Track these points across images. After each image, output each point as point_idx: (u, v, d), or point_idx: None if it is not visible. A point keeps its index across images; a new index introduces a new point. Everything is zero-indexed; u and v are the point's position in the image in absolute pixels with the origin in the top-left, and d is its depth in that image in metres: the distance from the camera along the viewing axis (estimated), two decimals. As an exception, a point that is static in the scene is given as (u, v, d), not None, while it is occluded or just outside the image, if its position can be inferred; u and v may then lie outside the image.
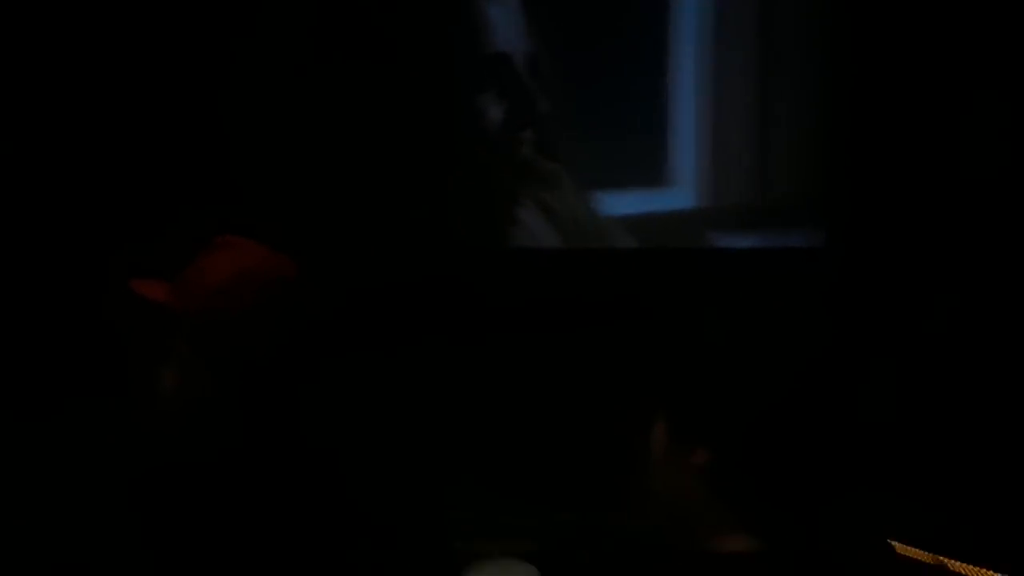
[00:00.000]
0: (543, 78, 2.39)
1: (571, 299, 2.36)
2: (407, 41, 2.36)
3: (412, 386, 2.20)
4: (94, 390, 1.75)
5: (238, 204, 2.06)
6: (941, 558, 1.55)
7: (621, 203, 2.42)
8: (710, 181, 2.37)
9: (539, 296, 2.37)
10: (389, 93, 2.37)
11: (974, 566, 1.56)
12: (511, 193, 2.46)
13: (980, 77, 2.11)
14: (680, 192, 2.39)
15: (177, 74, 2.22)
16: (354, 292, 2.10)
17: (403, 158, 2.41)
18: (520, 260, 2.47)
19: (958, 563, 1.56)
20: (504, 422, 2.27)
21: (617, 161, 2.40)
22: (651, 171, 2.39)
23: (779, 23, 2.29)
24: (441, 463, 1.78)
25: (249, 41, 2.29)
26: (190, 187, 2.19)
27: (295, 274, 1.05)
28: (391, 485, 1.15)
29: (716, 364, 0.88)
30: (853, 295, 2.20)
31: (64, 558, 0.95)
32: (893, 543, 1.49)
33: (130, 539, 0.92)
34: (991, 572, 1.57)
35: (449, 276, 2.41)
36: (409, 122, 2.40)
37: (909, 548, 1.52)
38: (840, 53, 2.24)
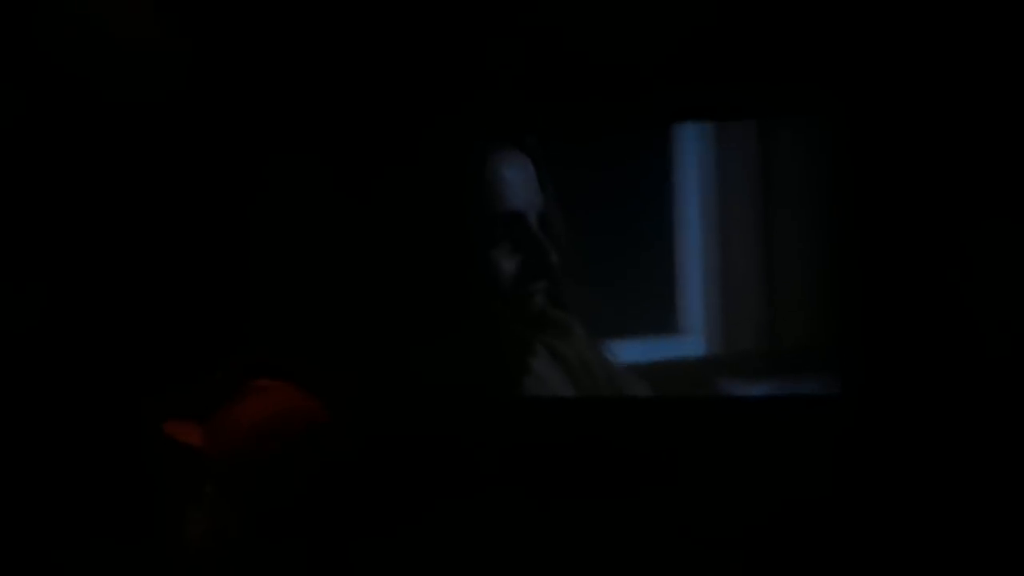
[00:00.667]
0: (554, 232, 2.49)
1: (584, 447, 2.34)
2: (425, 199, 2.49)
3: (429, 536, 2.14)
4: (127, 532, 1.72)
5: (264, 349, 2.10)
6: None
7: (632, 351, 2.45)
8: (719, 329, 2.41)
9: (552, 444, 2.36)
10: (407, 248, 2.48)
11: None
12: (524, 343, 2.50)
13: (986, 212, 2.17)
14: (690, 340, 2.42)
15: (207, 225, 2.33)
16: (370, 442, 2.09)
17: (419, 310, 2.48)
18: (533, 410, 2.48)
19: None
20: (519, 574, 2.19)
21: (627, 310, 2.45)
22: (660, 319, 2.43)
23: (781, 172, 2.39)
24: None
25: (274, 195, 2.41)
26: (219, 332, 2.24)
27: (325, 419, 1.07)
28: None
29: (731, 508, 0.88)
30: (869, 444, 2.18)
31: None
32: None
33: None
34: None
35: (463, 426, 2.40)
36: (425, 275, 2.48)
37: None
38: (844, 199, 2.29)
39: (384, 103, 2.49)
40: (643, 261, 2.45)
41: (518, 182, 2.50)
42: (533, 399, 2.47)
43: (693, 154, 2.45)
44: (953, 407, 2.19)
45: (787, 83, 2.36)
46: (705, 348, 2.41)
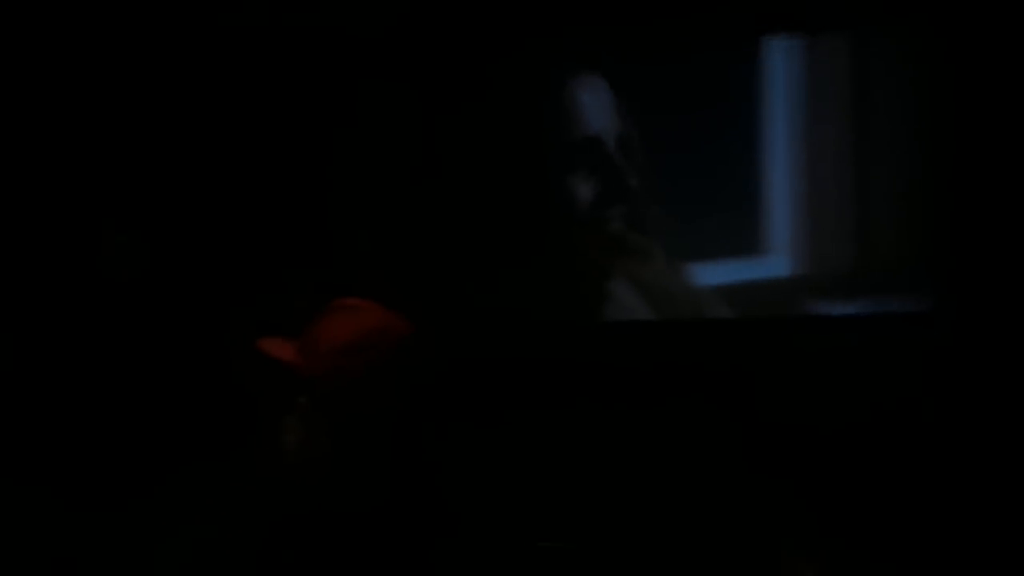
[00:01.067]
0: (633, 156, 2.46)
1: (668, 372, 2.35)
2: (503, 124, 2.48)
3: (519, 453, 2.21)
4: (224, 444, 1.84)
5: (351, 271, 2.19)
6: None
7: (715, 273, 2.41)
8: (807, 248, 2.34)
9: (635, 369, 2.37)
10: (487, 174, 2.49)
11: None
12: (603, 268, 2.50)
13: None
14: (775, 260, 2.37)
15: (297, 149, 2.41)
16: (458, 364, 2.16)
17: (499, 236, 2.51)
18: (614, 334, 2.49)
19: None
20: (602, 495, 2.24)
21: (709, 232, 2.41)
22: (745, 240, 2.38)
23: (873, 87, 2.28)
24: (542, 525, 1.77)
25: (361, 121, 2.46)
26: (309, 253, 2.34)
27: (412, 335, 1.10)
28: (490, 545, 1.16)
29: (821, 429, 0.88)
30: (964, 361, 2.11)
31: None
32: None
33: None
34: None
35: (545, 350, 2.44)
36: (505, 201, 2.50)
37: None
38: (938, 114, 2.18)
39: (463, 29, 2.48)
40: (727, 182, 2.39)
41: (595, 106, 2.47)
42: (613, 323, 2.48)
43: (781, 69, 2.35)
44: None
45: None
46: (791, 268, 2.36)
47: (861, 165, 2.29)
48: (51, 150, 2.34)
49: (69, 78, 2.35)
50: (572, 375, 2.40)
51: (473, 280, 2.51)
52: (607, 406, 2.34)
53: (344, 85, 2.49)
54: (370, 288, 1.24)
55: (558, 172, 2.49)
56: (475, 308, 2.48)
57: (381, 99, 2.48)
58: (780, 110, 2.34)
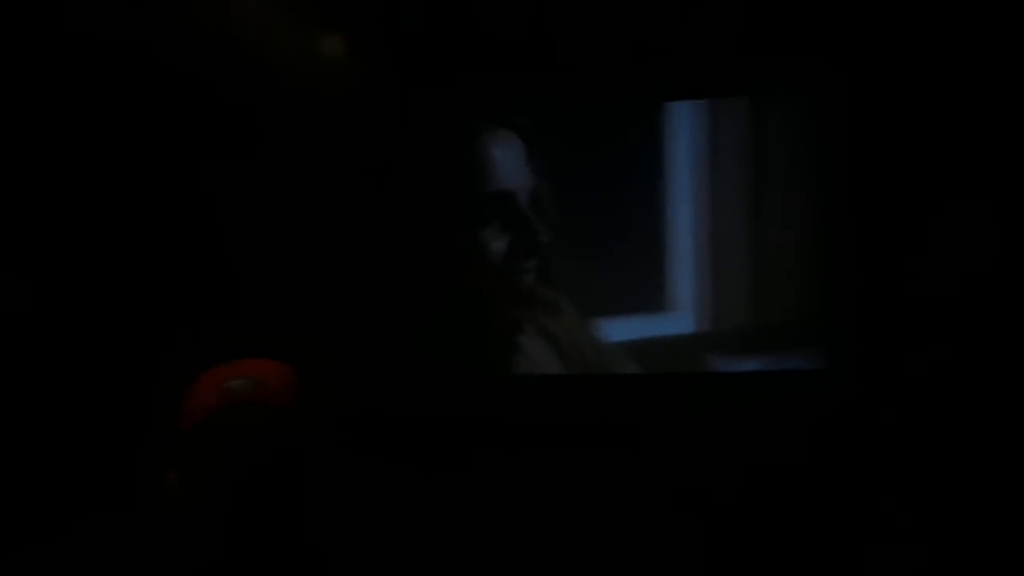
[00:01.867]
0: (544, 211, 2.50)
1: (574, 424, 2.36)
2: (415, 178, 2.50)
3: (414, 507, 2.17)
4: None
5: (255, 329, 2.13)
6: None
7: (621, 329, 2.46)
8: (709, 306, 2.41)
9: (542, 422, 2.38)
10: (397, 227, 2.49)
11: None
12: (513, 321, 2.52)
13: (967, 195, 2.18)
14: (680, 317, 2.44)
15: (197, 210, 2.35)
16: (362, 416, 2.13)
17: (409, 288, 2.50)
18: (523, 387, 2.50)
19: None
20: (505, 549, 2.22)
21: (617, 288, 2.46)
22: (650, 297, 2.44)
23: (771, 150, 2.39)
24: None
25: (259, 173, 2.43)
26: (210, 314, 2.28)
27: (303, 388, 1.09)
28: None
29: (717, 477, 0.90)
30: (858, 416, 2.20)
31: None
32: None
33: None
34: None
35: (453, 402, 2.43)
36: (416, 253, 2.50)
37: None
38: (833, 176, 2.30)
39: (374, 82, 2.49)
40: (633, 239, 2.45)
41: (508, 161, 2.51)
42: (523, 376, 2.49)
43: (685, 131, 2.45)
44: (937, 382, 2.21)
45: (780, 58, 2.36)
46: (694, 325, 2.43)
47: (759, 226, 2.39)
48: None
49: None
50: (481, 428, 2.39)
51: (383, 331, 2.48)
52: (514, 459, 2.34)
53: (252, 131, 2.47)
54: (275, 348, 1.22)
55: (470, 225, 2.51)
56: (384, 358, 2.45)
57: (287, 155, 2.46)
58: (683, 170, 2.43)
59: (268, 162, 2.48)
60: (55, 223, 2.26)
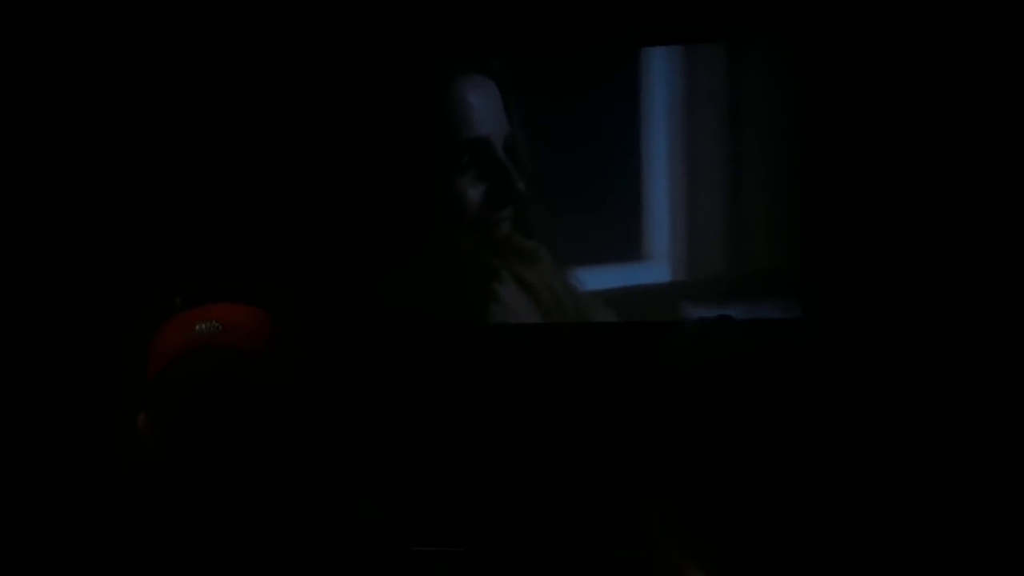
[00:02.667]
0: (521, 159, 2.47)
1: (551, 372, 2.37)
2: (390, 125, 2.45)
3: (392, 451, 2.19)
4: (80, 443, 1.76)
5: (222, 273, 2.12)
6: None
7: (598, 278, 2.46)
8: (685, 255, 2.42)
9: (519, 370, 2.39)
10: (373, 174, 2.46)
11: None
12: (490, 270, 2.50)
13: (944, 144, 2.19)
14: (656, 266, 2.44)
15: (171, 150, 2.31)
16: (337, 364, 2.13)
17: (386, 237, 2.47)
18: (500, 336, 2.50)
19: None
20: (484, 488, 2.25)
21: (594, 237, 2.46)
22: (627, 247, 2.44)
23: (748, 97, 2.38)
24: (422, 528, 1.75)
25: (241, 120, 2.38)
26: (183, 257, 2.25)
27: (278, 334, 1.07)
28: (368, 546, 1.14)
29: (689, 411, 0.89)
30: (831, 365, 2.23)
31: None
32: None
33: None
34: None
35: (430, 352, 2.43)
36: (392, 203, 2.47)
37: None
38: (809, 123, 2.30)
39: (349, 27, 2.43)
40: (609, 188, 2.44)
41: (484, 107, 2.47)
42: (499, 325, 2.49)
43: (661, 78, 2.42)
44: (910, 329, 2.23)
45: (756, 3, 2.33)
46: (670, 274, 2.43)
47: (735, 174, 2.38)
48: None
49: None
50: (458, 376, 2.39)
51: (359, 279, 2.46)
52: (491, 407, 2.35)
53: (222, 80, 2.41)
54: (243, 285, 1.20)
55: (446, 173, 2.48)
56: (360, 307, 2.44)
57: (261, 97, 2.41)
58: (660, 118, 2.41)
59: (241, 109, 2.42)
60: (22, 160, 2.21)
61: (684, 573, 0.83)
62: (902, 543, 1.87)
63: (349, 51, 2.43)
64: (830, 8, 2.28)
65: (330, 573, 1.03)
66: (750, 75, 2.37)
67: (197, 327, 1.02)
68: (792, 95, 2.34)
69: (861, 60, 2.24)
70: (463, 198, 2.50)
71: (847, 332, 2.26)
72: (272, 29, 2.40)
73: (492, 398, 2.36)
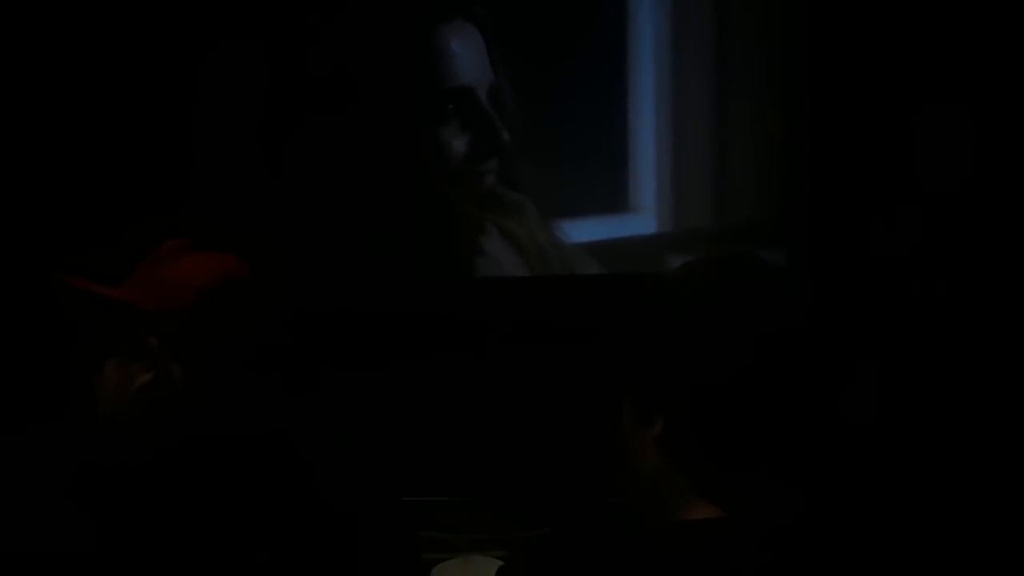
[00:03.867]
0: (505, 110, 2.43)
1: (538, 325, 2.37)
2: (370, 74, 2.40)
3: (381, 403, 2.19)
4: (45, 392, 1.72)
5: (201, 217, 2.08)
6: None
7: (583, 230, 2.45)
8: (671, 206, 2.41)
9: (506, 323, 2.38)
10: (352, 125, 2.41)
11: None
12: (475, 224, 2.48)
13: (933, 93, 2.19)
14: (642, 218, 2.43)
15: (151, 97, 2.25)
16: (325, 316, 2.11)
17: (367, 189, 2.43)
18: (486, 289, 2.49)
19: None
20: (473, 441, 2.26)
21: (579, 189, 2.44)
22: (613, 198, 2.43)
23: (735, 50, 2.36)
24: (412, 480, 1.76)
25: (214, 68, 2.32)
26: (153, 197, 2.20)
27: (265, 283, 1.07)
28: (360, 492, 1.14)
29: (674, 345, 0.89)
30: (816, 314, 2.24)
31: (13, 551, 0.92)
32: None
33: (82, 534, 0.90)
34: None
35: (415, 306, 2.41)
36: (373, 154, 2.42)
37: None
38: (797, 77, 2.28)
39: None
40: (595, 139, 2.42)
41: (467, 55, 2.42)
42: (485, 278, 2.47)
43: (648, 23, 2.38)
44: (895, 281, 2.25)
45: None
46: (656, 226, 2.43)
47: (721, 124, 2.37)
48: None
49: None
50: (443, 330, 2.38)
51: (341, 233, 2.43)
52: (478, 361, 2.35)
53: (199, 28, 2.34)
54: (222, 234, 1.18)
55: (429, 123, 2.44)
56: (343, 261, 2.41)
57: (238, 40, 2.34)
58: (647, 66, 2.38)
59: (224, 58, 2.36)
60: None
61: (694, 510, 0.84)
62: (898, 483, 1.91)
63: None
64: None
65: (320, 522, 1.03)
66: (737, 20, 2.34)
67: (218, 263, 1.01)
68: (780, 42, 2.32)
69: (853, 10, 2.22)
70: (447, 149, 2.46)
71: (833, 281, 2.28)
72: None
73: (479, 351, 2.35)
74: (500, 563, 0.88)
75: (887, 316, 2.15)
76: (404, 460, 2.01)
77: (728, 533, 0.80)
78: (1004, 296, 2.07)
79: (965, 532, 1.85)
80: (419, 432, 2.24)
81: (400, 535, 1.17)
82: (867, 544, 0.82)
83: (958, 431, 2.00)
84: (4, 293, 2.10)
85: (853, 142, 2.26)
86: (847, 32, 2.24)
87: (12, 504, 0.95)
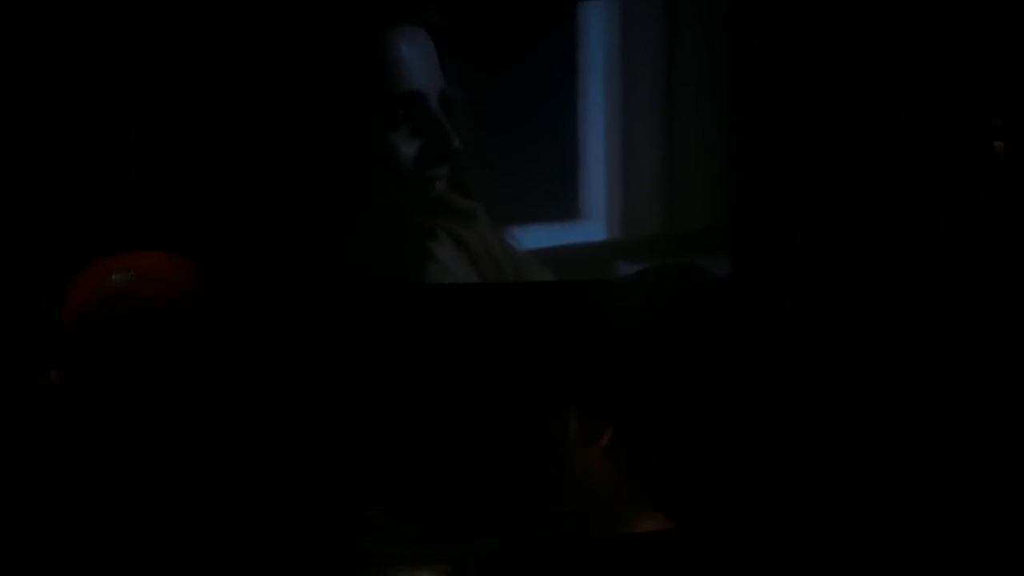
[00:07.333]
0: (456, 116, 2.43)
1: (489, 332, 2.36)
2: (321, 79, 2.37)
3: (326, 413, 2.15)
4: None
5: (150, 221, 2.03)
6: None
7: (534, 237, 2.46)
8: (620, 214, 2.44)
9: (456, 330, 2.37)
10: (303, 130, 2.37)
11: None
12: (426, 230, 2.47)
13: (879, 96, 2.24)
14: (592, 225, 2.45)
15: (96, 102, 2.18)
16: (273, 324, 2.07)
17: (317, 195, 2.40)
18: (436, 296, 2.47)
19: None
20: (419, 451, 2.24)
21: (530, 196, 2.44)
22: (563, 205, 2.44)
23: (685, 60, 2.39)
24: (356, 491, 1.74)
25: (162, 71, 2.27)
26: (98, 203, 2.14)
27: (202, 285, 1.04)
28: (300, 501, 1.11)
29: (624, 355, 0.89)
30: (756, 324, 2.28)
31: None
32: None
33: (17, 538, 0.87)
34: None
35: (364, 312, 2.38)
36: (323, 160, 2.39)
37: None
38: (745, 88, 2.34)
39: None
40: (546, 146, 2.43)
41: (418, 60, 2.41)
42: (436, 285, 2.46)
43: (599, 33, 2.40)
44: (840, 290, 2.30)
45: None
46: (606, 232, 2.45)
47: (670, 133, 2.41)
48: None
49: None
50: (392, 337, 2.36)
51: (289, 237, 2.39)
52: (428, 368, 2.33)
53: (148, 30, 2.28)
54: (169, 242, 1.15)
55: (380, 128, 2.42)
56: (293, 265, 2.37)
57: (186, 51, 2.29)
58: (596, 74, 2.40)
59: (173, 61, 2.30)
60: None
61: (643, 520, 0.84)
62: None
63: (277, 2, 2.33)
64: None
65: (262, 536, 1.00)
66: (687, 31, 2.38)
67: (112, 276, 0.98)
68: (730, 49, 2.36)
69: (801, 9, 2.27)
70: (397, 155, 2.44)
71: (775, 289, 2.32)
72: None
73: (428, 359, 2.34)
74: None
75: (834, 321, 2.20)
76: (347, 471, 2.00)
77: (677, 544, 0.81)
78: (950, 303, 2.14)
79: (923, 537, 1.88)
80: (363, 441, 2.21)
81: (344, 549, 1.15)
82: (821, 552, 0.83)
83: (913, 436, 2.06)
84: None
85: (799, 153, 2.32)
86: (794, 44, 2.30)
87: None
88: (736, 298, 0.96)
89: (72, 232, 1.91)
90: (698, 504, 0.85)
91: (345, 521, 1.18)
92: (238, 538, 0.96)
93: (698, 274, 0.98)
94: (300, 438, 1.72)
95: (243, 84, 2.33)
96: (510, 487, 2.16)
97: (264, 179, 2.35)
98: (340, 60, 2.37)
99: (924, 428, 2.04)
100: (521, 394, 2.20)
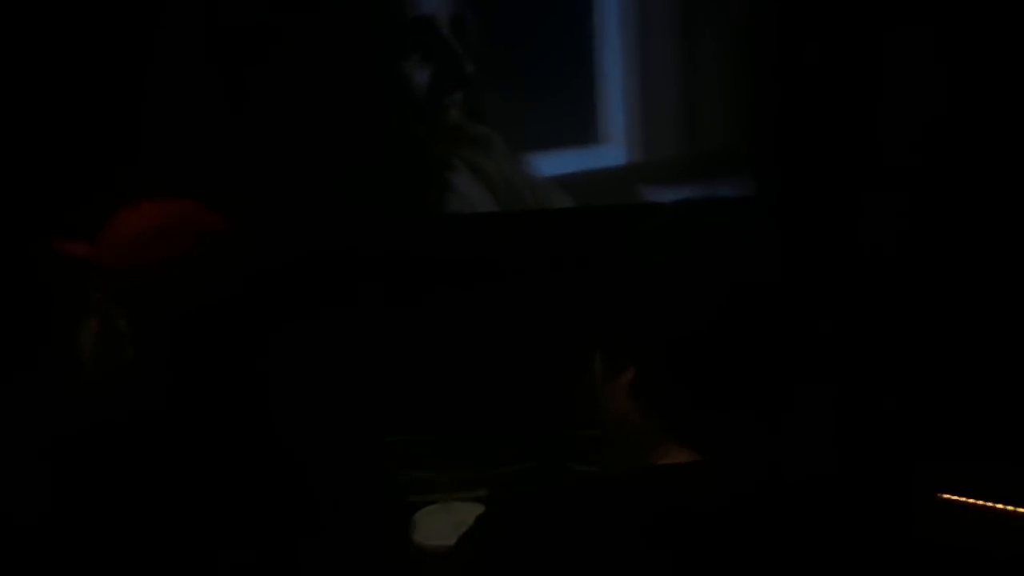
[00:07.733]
0: (468, 40, 2.36)
1: (510, 260, 2.36)
2: (326, 6, 2.30)
3: (353, 345, 2.18)
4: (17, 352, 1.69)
5: (164, 170, 2.02)
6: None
7: (553, 163, 2.42)
8: (640, 136, 2.38)
9: (477, 259, 2.36)
10: (310, 62, 2.32)
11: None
12: (442, 159, 2.43)
13: (904, 17, 2.15)
14: (611, 149, 2.40)
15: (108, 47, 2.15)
16: (293, 259, 2.07)
17: (329, 127, 2.37)
18: (456, 226, 2.46)
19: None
20: (451, 379, 2.28)
21: (547, 121, 2.39)
22: (582, 129, 2.39)
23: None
24: (389, 421, 1.77)
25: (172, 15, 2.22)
26: (115, 150, 2.13)
27: (223, 229, 1.03)
28: (335, 442, 1.13)
29: (647, 286, 0.88)
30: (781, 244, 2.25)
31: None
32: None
33: (49, 503, 0.89)
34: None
35: (384, 245, 2.38)
36: (333, 91, 2.35)
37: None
38: (764, 3, 2.27)
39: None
40: (562, 68, 2.36)
41: (426, -17, 2.33)
42: (455, 215, 2.44)
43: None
44: (863, 211, 2.26)
45: None
46: (626, 156, 2.40)
47: (690, 51, 2.33)
48: None
49: None
50: (413, 269, 2.36)
51: (305, 174, 2.37)
52: (451, 299, 2.34)
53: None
54: (187, 183, 1.14)
55: (389, 57, 2.36)
56: (309, 202, 2.36)
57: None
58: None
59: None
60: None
61: (671, 454, 0.84)
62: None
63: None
64: None
65: (300, 469, 1.03)
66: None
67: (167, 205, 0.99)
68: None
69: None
70: (409, 84, 2.39)
71: (800, 210, 2.28)
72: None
73: (451, 289, 2.34)
74: (481, 509, 0.89)
75: (858, 249, 2.17)
76: (381, 401, 2.03)
77: (705, 476, 0.81)
78: (973, 227, 2.09)
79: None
80: (395, 372, 2.24)
81: (382, 476, 1.17)
82: (846, 487, 0.84)
83: (931, 377, 2.04)
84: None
85: (821, 68, 2.24)
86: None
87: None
88: (761, 230, 0.94)
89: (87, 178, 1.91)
90: (725, 436, 0.85)
91: (381, 448, 1.20)
92: (274, 472, 0.98)
93: (723, 205, 0.96)
94: (331, 371, 1.74)
95: (247, 18, 2.27)
96: (543, 412, 2.19)
97: (274, 116, 2.32)
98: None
99: (957, 355, 2.02)
100: (549, 321, 2.21)
